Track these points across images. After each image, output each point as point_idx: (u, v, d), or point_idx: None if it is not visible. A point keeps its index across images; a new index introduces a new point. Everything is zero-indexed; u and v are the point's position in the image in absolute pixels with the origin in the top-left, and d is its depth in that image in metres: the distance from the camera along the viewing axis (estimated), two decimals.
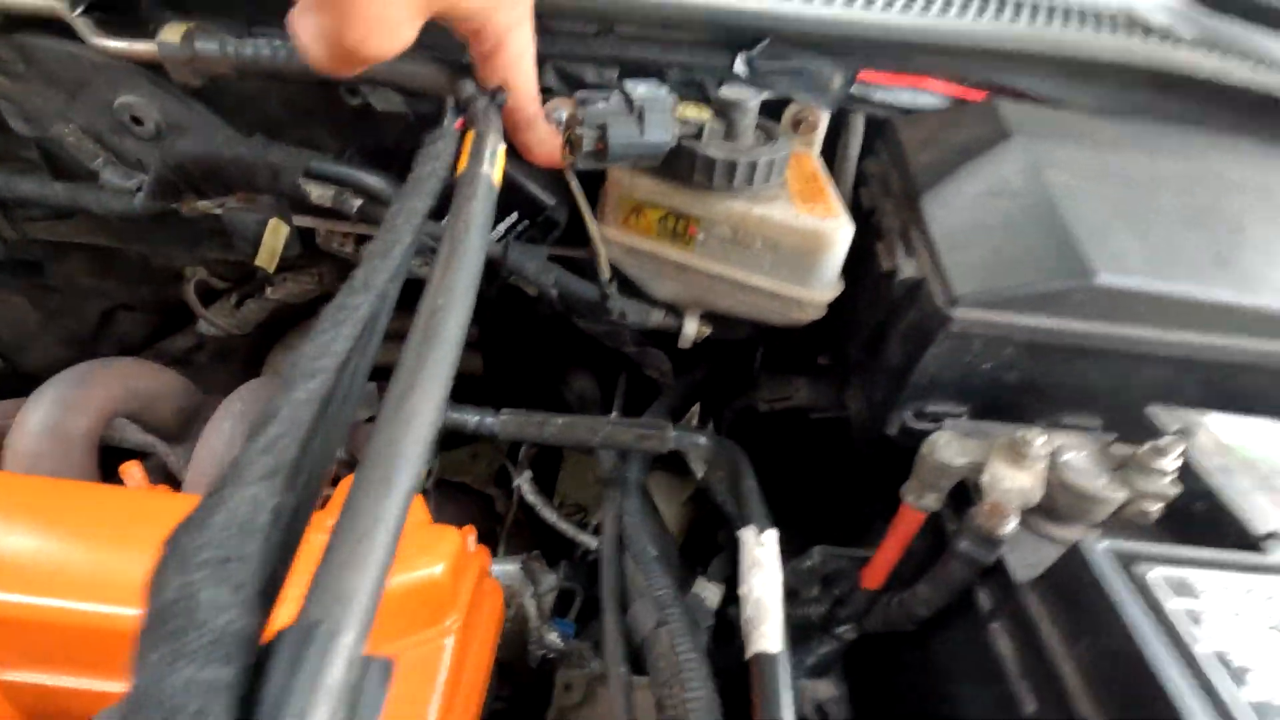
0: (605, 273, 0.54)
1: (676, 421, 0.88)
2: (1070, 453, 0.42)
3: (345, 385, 0.32)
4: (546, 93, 0.57)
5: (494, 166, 0.42)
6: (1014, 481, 0.39)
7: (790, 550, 0.68)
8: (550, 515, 0.90)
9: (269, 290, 1.04)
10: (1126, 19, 0.73)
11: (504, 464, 1.14)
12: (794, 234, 0.50)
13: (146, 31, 0.55)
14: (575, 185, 0.51)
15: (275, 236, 0.70)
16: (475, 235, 0.37)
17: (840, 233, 0.50)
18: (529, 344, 1.02)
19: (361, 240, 0.77)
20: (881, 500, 0.56)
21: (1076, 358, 0.49)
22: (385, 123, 0.64)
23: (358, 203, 0.54)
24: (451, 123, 0.45)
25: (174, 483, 0.83)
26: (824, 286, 0.53)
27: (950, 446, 0.42)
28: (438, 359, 0.31)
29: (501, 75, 0.45)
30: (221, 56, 0.50)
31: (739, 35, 0.55)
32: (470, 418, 0.56)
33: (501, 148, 0.44)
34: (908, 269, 0.50)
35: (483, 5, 0.42)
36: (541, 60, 0.57)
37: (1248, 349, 0.47)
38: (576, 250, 0.64)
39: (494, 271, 0.59)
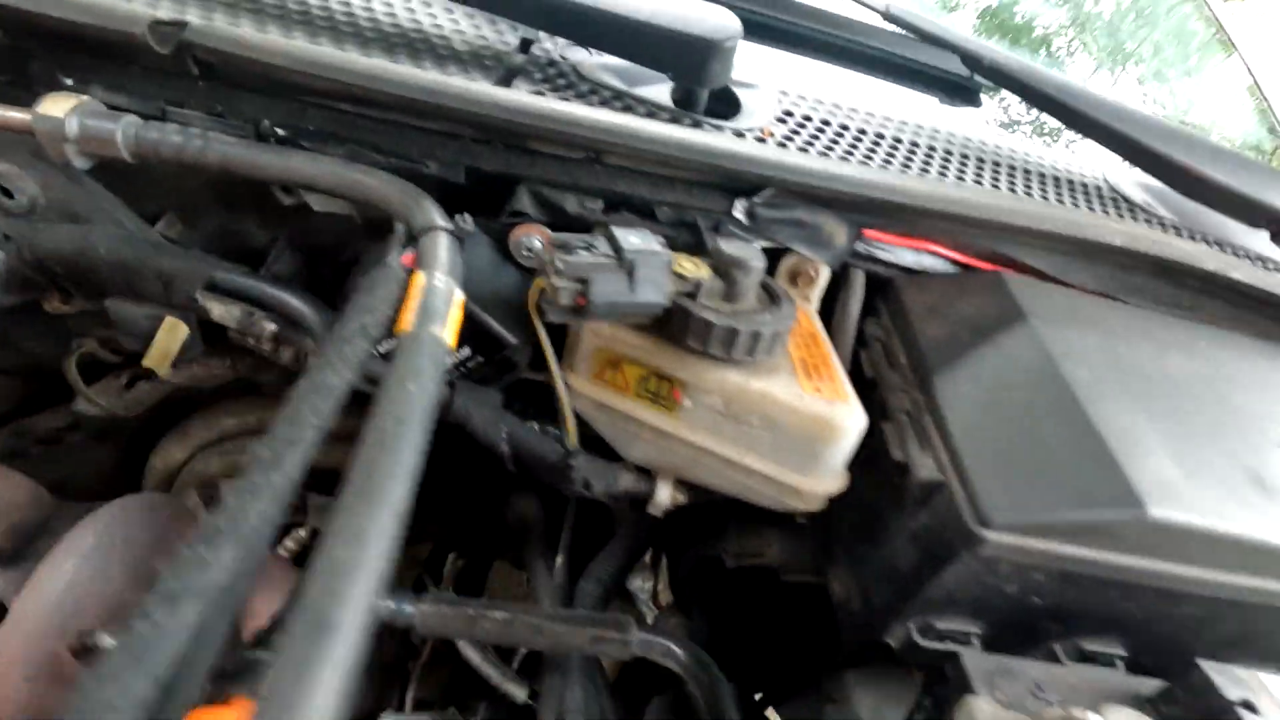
0: (573, 440, 0.45)
1: (634, 562, 0.77)
2: None
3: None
4: (519, 218, 0.49)
5: (447, 325, 0.33)
6: None
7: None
8: (474, 656, 0.76)
9: (170, 373, 0.89)
10: (1110, 192, 0.74)
11: (422, 578, 1.00)
12: (798, 417, 0.43)
13: (32, 97, 0.45)
14: (544, 340, 0.42)
15: (171, 337, 0.58)
16: (413, 433, 0.27)
17: (852, 422, 0.43)
18: (465, 451, 0.91)
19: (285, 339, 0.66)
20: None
21: (1111, 589, 0.42)
22: (325, 219, 0.55)
23: (271, 327, 0.44)
24: (398, 258, 0.36)
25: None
26: (828, 478, 0.45)
27: None
28: (328, 651, 0.21)
29: None
30: (116, 140, 0.41)
31: (739, 181, 0.50)
32: (382, 604, 0.44)
33: (459, 297, 0.35)
34: (925, 467, 0.43)
35: None
36: (516, 181, 0.50)
37: None
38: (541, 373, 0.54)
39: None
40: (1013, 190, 0.64)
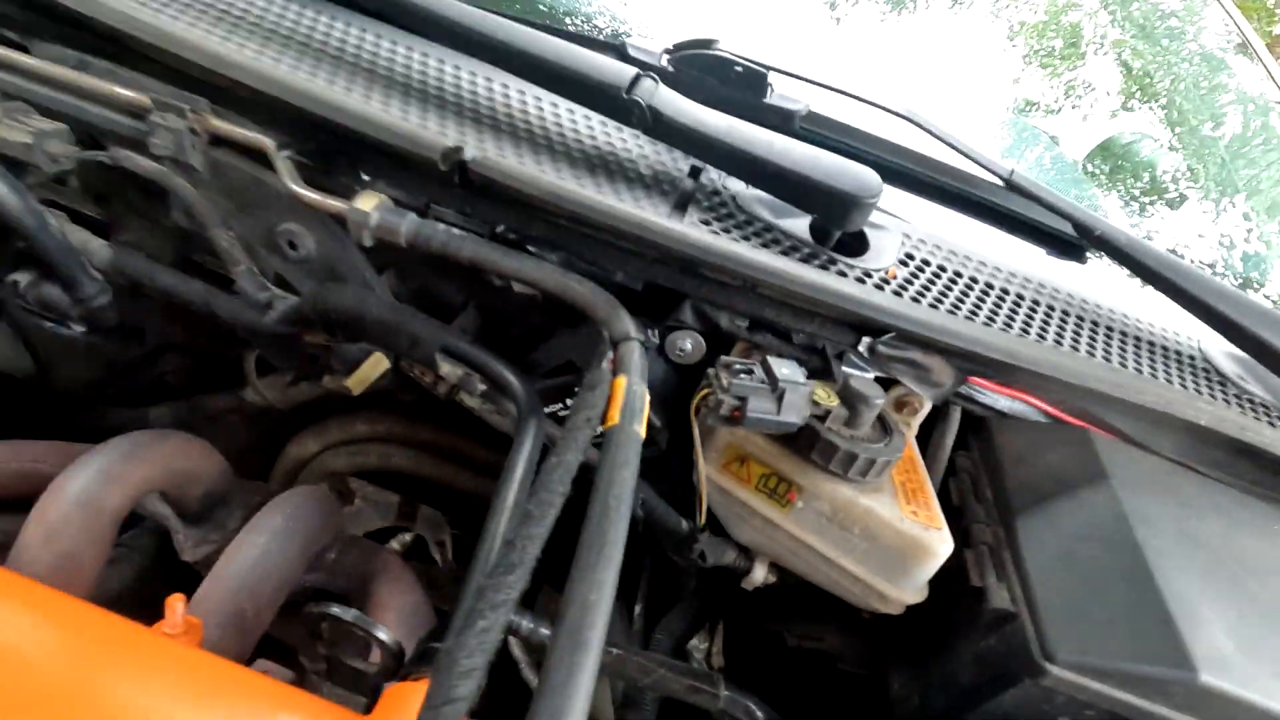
0: (702, 519, 0.54)
1: (701, 624, 0.85)
2: None
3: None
4: (680, 326, 0.60)
5: (641, 423, 0.43)
6: None
7: None
8: (532, 678, 0.85)
9: (327, 379, 1.05)
10: (1201, 360, 0.79)
11: None
12: (896, 536, 0.51)
13: (334, 184, 0.60)
14: (698, 442, 0.52)
15: (374, 368, 0.72)
16: (625, 508, 0.37)
17: (942, 548, 0.51)
18: None
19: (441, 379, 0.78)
20: None
21: None
22: (514, 296, 0.67)
23: (482, 388, 0.56)
24: (606, 362, 0.47)
25: (174, 560, 0.79)
26: (912, 591, 0.53)
27: None
28: (585, 666, 0.30)
29: None
30: (400, 231, 0.54)
31: (868, 325, 0.59)
32: (524, 623, 0.54)
33: (647, 398, 0.46)
34: (999, 597, 0.51)
35: None
36: (683, 297, 0.61)
37: None
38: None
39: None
40: (1108, 351, 0.71)
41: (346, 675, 0.52)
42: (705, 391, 0.50)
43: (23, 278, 0.66)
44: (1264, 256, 1.27)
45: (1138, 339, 0.77)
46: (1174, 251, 1.17)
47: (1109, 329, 0.76)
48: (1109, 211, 1.30)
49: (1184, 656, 0.45)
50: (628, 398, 0.44)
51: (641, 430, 0.43)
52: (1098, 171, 1.44)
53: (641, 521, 0.58)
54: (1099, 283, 0.86)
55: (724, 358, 0.51)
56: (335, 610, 0.48)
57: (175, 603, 0.50)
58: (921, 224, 0.82)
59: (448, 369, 0.55)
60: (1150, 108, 1.62)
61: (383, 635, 0.46)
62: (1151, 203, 1.39)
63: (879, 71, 1.06)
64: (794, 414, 0.49)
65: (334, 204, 0.55)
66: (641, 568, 0.88)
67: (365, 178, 0.60)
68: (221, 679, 0.48)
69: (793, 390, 0.48)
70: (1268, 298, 1.19)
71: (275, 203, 0.62)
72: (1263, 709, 0.44)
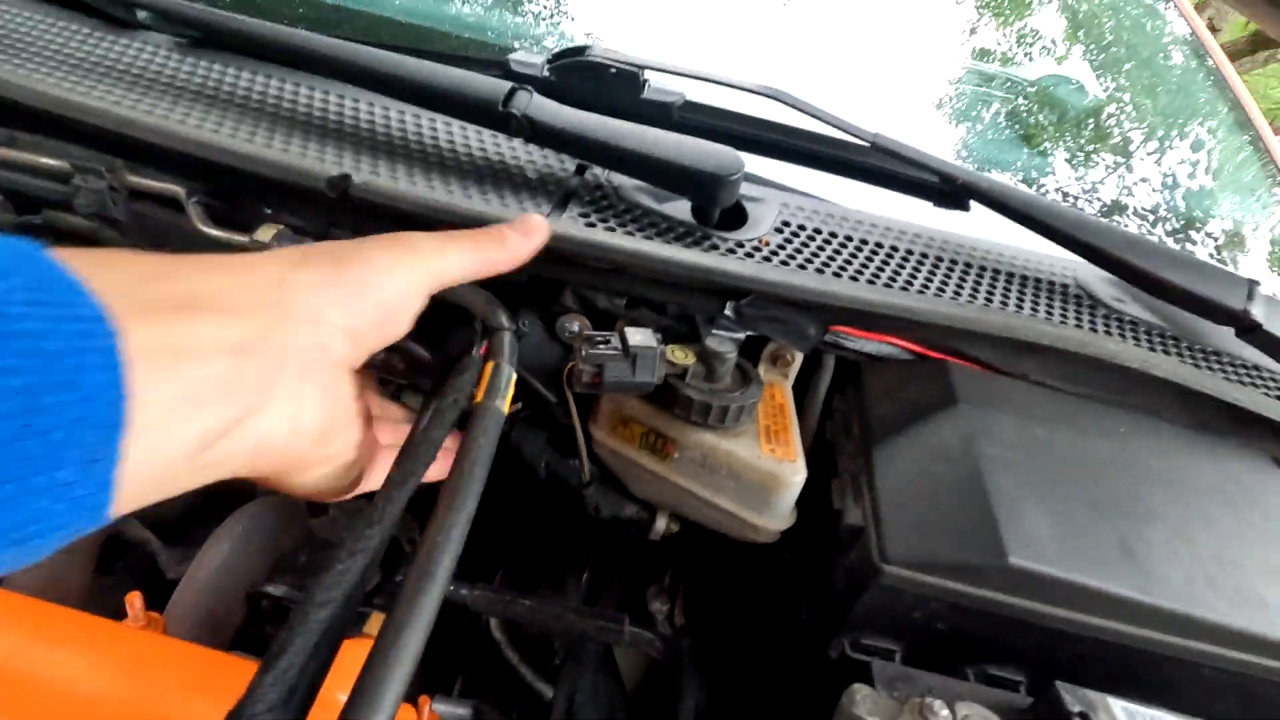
0: (585, 475, 0.61)
1: (643, 584, 0.92)
2: None
3: (349, 606, 0.38)
4: (563, 309, 0.67)
5: (505, 400, 0.50)
6: None
7: None
8: (513, 657, 0.92)
9: None
10: (1075, 287, 0.85)
11: None
12: (753, 471, 0.58)
13: (244, 220, 0.67)
14: (572, 407, 0.59)
15: None
16: (480, 469, 0.44)
17: (794, 478, 0.57)
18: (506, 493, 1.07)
19: (401, 389, 0.85)
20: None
21: (997, 622, 0.54)
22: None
23: (401, 366, 0.63)
24: (479, 350, 0.54)
25: (160, 579, 0.86)
26: (777, 518, 0.60)
27: (866, 702, 0.47)
28: (429, 596, 0.37)
29: None
30: None
31: (729, 289, 0.65)
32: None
33: (513, 379, 0.52)
34: (853, 515, 0.57)
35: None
36: (563, 284, 0.67)
37: (1150, 639, 0.52)
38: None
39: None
40: (975, 291, 0.77)
41: None
42: (571, 364, 0.56)
43: None
44: (1209, 190, 1.31)
45: (1009, 275, 0.82)
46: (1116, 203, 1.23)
47: (981, 269, 0.82)
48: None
49: (998, 543, 0.51)
50: (493, 379, 0.50)
51: (504, 407, 0.49)
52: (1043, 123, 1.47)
53: (545, 479, 0.65)
54: (984, 229, 0.92)
55: (586, 332, 0.58)
56: (268, 588, 0.55)
57: (134, 599, 0.57)
58: (822, 194, 0.88)
59: None
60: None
61: None
62: (1094, 150, 1.43)
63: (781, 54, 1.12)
64: (647, 374, 0.55)
65: (238, 239, 0.62)
66: (591, 546, 0.94)
67: (268, 210, 0.67)
68: (179, 657, 0.56)
69: (644, 354, 0.55)
70: (1210, 234, 1.24)
71: (194, 245, 0.69)
72: (1065, 581, 0.51)
